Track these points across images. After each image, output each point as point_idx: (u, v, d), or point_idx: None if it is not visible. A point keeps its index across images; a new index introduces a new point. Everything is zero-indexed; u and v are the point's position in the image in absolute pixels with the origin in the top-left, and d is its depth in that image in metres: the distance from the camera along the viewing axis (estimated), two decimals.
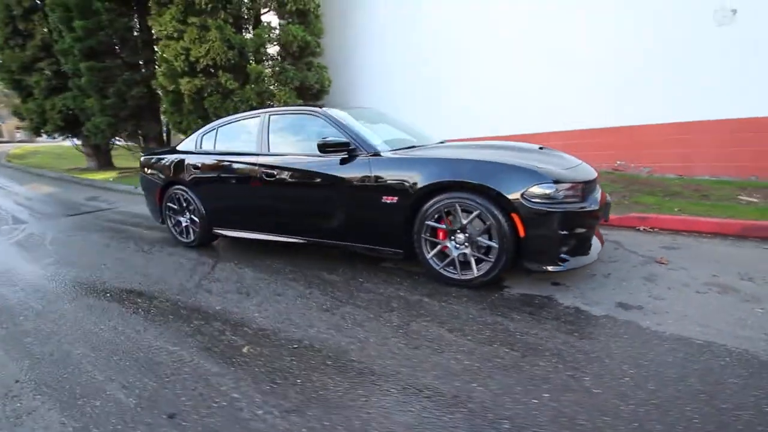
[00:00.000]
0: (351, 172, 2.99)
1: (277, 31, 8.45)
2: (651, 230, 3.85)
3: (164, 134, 11.90)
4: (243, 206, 3.66)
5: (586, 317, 2.25)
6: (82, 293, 3.00)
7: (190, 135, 4.22)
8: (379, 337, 2.17)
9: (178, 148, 4.25)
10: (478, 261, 2.65)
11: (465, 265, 2.70)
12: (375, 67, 9.92)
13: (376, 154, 2.96)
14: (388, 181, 2.84)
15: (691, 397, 1.58)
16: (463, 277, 2.70)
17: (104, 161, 13.21)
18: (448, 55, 8.21)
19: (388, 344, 2.09)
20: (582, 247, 2.61)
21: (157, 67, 8.92)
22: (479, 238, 2.61)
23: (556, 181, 2.48)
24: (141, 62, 10.98)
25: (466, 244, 2.68)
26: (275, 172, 3.33)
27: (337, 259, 3.49)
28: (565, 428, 1.46)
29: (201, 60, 7.71)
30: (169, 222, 4.24)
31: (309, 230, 3.32)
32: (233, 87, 8.14)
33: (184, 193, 4.00)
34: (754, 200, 4.32)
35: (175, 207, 4.13)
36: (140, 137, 11.53)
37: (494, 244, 2.54)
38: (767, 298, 2.36)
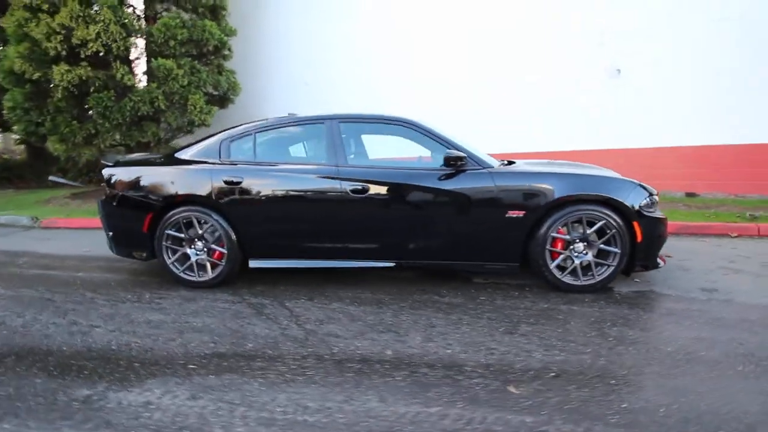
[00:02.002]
0: (467, 186, 2.88)
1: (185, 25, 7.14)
2: None
3: None
4: (311, 229, 3.01)
5: (686, 298, 2.78)
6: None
7: (205, 140, 3.20)
8: (596, 345, 2.16)
9: (182, 157, 3.18)
10: (595, 266, 2.91)
11: (584, 271, 2.92)
12: (283, 75, 9.41)
13: (490, 167, 2.94)
14: (516, 195, 2.86)
15: None
16: (585, 283, 2.91)
17: None
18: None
19: (617, 351, 2.12)
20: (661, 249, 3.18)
21: None
22: (601, 246, 2.89)
23: (650, 194, 2.98)
24: None
25: (586, 251, 2.92)
26: (367, 187, 2.89)
27: (412, 280, 3.23)
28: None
29: (90, 45, 5.85)
30: (166, 256, 3.09)
31: (405, 251, 2.99)
32: (132, 83, 6.46)
33: (201, 217, 3.01)
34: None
35: (181, 236, 3.06)
36: None
37: (617, 250, 2.86)
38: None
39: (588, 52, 6.94)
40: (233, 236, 3.02)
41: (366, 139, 3.37)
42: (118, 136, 6.68)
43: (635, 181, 2.97)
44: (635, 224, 2.84)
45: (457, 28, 7.93)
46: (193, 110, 6.97)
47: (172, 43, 6.67)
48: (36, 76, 5.91)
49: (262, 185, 3.00)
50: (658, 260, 3.00)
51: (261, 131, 3.16)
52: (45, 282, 3.38)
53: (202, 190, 3.01)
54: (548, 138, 7.33)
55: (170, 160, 3.23)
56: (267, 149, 3.16)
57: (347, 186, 2.92)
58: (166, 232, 3.06)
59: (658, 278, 3.21)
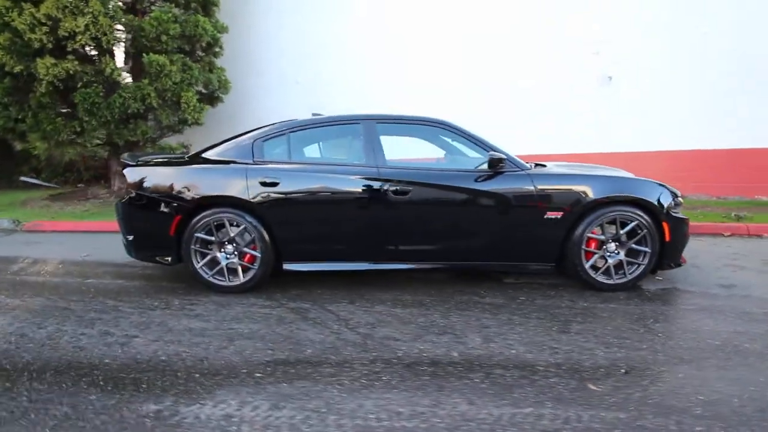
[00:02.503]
0: (508, 188, 2.92)
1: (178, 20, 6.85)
2: None
3: None
4: (350, 231, 2.95)
5: (709, 294, 2.93)
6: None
7: (233, 140, 3.06)
8: (649, 341, 2.24)
9: (210, 157, 3.04)
10: (626, 265, 3.00)
11: (615, 270, 2.99)
12: (274, 74, 9.24)
13: (527, 168, 2.98)
14: (554, 196, 2.92)
15: None
16: (617, 282, 3.00)
17: None
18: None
19: (670, 346, 2.20)
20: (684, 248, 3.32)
21: None
22: (633, 245, 2.99)
23: (675, 195, 3.12)
24: None
25: (618, 251, 3.02)
26: (409, 189, 2.87)
27: (445, 282, 3.24)
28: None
29: (79, 37, 5.49)
30: (194, 260, 2.93)
31: (446, 253, 3.00)
32: (121, 79, 6.13)
33: (234, 219, 2.89)
34: None
35: (211, 239, 2.92)
36: None
37: (648, 249, 2.97)
38: None
39: (580, 59, 7.21)
40: (267, 239, 2.92)
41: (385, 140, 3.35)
42: (104, 134, 6.31)
43: (662, 183, 3.11)
44: (664, 224, 2.96)
45: (451, 31, 8.03)
46: (186, 108, 6.68)
47: (164, 38, 6.36)
48: (17, 69, 5.47)
49: (300, 186, 2.91)
50: (681, 259, 3.15)
51: (295, 131, 3.06)
52: (54, 290, 3.13)
53: (237, 191, 2.88)
54: (541, 142, 7.55)
55: (198, 159, 3.07)
56: (302, 149, 3.08)
57: (388, 187, 2.89)
58: (196, 235, 2.91)
59: (677, 276, 3.35)
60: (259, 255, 2.93)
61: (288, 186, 2.89)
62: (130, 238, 3.03)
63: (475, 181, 2.96)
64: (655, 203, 2.95)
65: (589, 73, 7.09)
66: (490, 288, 3.12)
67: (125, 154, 3.21)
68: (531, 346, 2.23)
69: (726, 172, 6.56)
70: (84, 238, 5.05)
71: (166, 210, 2.92)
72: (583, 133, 7.39)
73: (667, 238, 2.97)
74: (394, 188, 2.88)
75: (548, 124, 7.54)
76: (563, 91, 7.32)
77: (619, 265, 3.01)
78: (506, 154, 2.96)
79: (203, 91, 7.58)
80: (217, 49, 7.80)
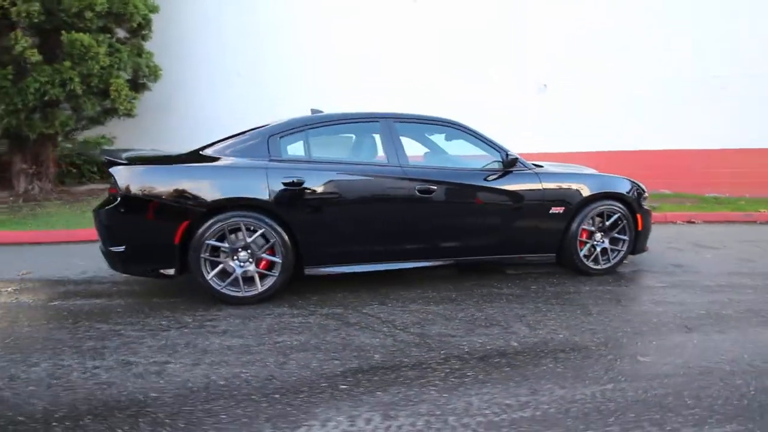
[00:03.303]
0: (517, 185, 3.13)
1: None
2: None
3: None
4: (375, 231, 2.89)
5: (671, 272, 3.50)
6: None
7: (240, 136, 2.75)
8: (658, 315, 2.59)
9: (214, 155, 2.69)
10: (608, 252, 3.43)
11: (601, 255, 3.40)
12: (212, 63, 8.49)
13: (534, 167, 3.23)
14: (558, 193, 3.21)
15: None
16: (603, 267, 3.40)
17: None
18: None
19: (671, 315, 2.57)
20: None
21: None
22: (615, 234, 3.42)
23: (644, 190, 3.64)
24: None
25: (603, 240, 3.42)
26: (433, 188, 2.90)
27: (456, 277, 3.38)
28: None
29: None
30: (204, 270, 2.60)
31: (465, 248, 3.11)
32: (36, 60, 5.09)
33: (252, 223, 2.63)
34: None
35: (224, 246, 2.62)
36: None
37: (627, 238, 3.42)
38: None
39: (521, 69, 7.92)
40: (289, 243, 2.72)
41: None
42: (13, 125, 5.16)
43: (633, 179, 3.61)
44: (638, 216, 3.46)
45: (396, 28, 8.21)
46: (117, 97, 5.80)
47: (88, 14, 5.42)
48: None
49: (324, 186, 2.76)
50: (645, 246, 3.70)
51: (314, 127, 2.89)
52: (15, 317, 2.53)
53: (256, 193, 2.63)
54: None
55: (200, 158, 2.73)
56: (320, 147, 2.91)
57: (414, 186, 2.90)
58: (207, 242, 2.59)
59: (637, 261, 3.93)
60: (280, 261, 2.72)
61: (313, 186, 2.72)
62: (120, 249, 2.57)
63: (490, 179, 3.13)
64: (632, 197, 3.43)
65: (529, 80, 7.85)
66: (501, 280, 3.32)
67: (111, 153, 2.71)
68: (571, 329, 2.45)
69: (633, 171, 7.81)
70: (10, 251, 4.13)
71: (170, 215, 2.56)
72: (521, 134, 8.15)
73: (639, 227, 3.47)
74: (419, 187, 2.91)
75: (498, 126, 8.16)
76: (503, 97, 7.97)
77: (603, 252, 3.43)
78: (512, 154, 3.18)
79: (127, 77, 6.66)
80: (145, 32, 6.91)
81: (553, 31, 7.81)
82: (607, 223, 3.39)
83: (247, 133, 2.85)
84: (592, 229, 3.38)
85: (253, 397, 1.76)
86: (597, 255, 3.40)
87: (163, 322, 2.48)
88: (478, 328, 2.46)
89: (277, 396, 1.77)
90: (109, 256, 2.64)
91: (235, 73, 8.58)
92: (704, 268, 3.69)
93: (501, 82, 7.94)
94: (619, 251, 3.46)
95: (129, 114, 6.21)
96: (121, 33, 6.67)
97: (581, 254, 3.35)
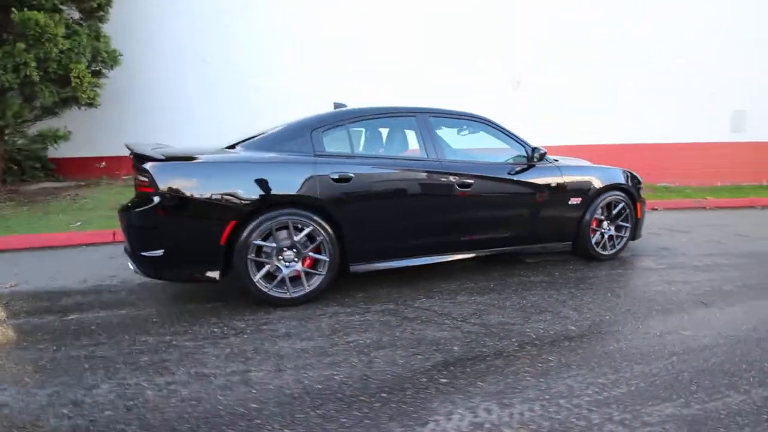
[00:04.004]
0: (543, 178, 3.30)
1: None
2: None
3: None
4: (418, 226, 2.89)
5: (661, 255, 3.90)
6: None
7: (278, 130, 2.59)
8: (675, 293, 2.88)
9: (250, 149, 2.52)
10: (613, 239, 3.72)
11: (608, 242, 3.69)
12: (175, 48, 7.89)
13: (554, 161, 3.40)
14: (576, 185, 3.41)
15: None
16: (610, 252, 3.69)
17: None
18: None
19: (688, 291, 2.86)
20: None
21: None
22: (620, 222, 3.71)
23: (640, 181, 3.98)
24: None
25: (610, 228, 3.70)
26: (471, 181, 2.96)
27: (482, 268, 3.50)
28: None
29: None
30: (251, 272, 2.45)
31: (496, 240, 3.21)
32: None
33: (299, 221, 2.52)
34: None
35: (271, 245, 2.48)
36: None
37: (629, 225, 3.73)
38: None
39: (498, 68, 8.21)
40: (335, 240, 2.65)
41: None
42: None
43: (631, 170, 3.93)
44: (638, 204, 3.79)
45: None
46: (79, 84, 5.18)
47: None
48: None
49: (371, 181, 2.72)
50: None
51: (354, 121, 2.82)
52: (38, 336, 2.22)
53: (305, 189, 2.52)
54: None
55: (242, 154, 2.54)
56: (360, 141, 2.84)
57: (453, 180, 2.94)
58: (253, 242, 2.44)
59: (630, 245, 4.31)
60: (327, 259, 2.64)
61: (361, 181, 2.67)
62: (157, 253, 2.34)
63: (518, 172, 3.26)
64: (632, 187, 3.75)
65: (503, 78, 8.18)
66: (525, 269, 3.48)
67: (140, 147, 2.42)
68: (612, 311, 2.64)
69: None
70: None
71: (216, 214, 2.37)
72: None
73: (638, 215, 3.81)
74: (459, 181, 2.96)
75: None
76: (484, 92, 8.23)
77: (610, 239, 3.72)
78: (535, 148, 3.34)
79: (102, 61, 6.02)
80: (103, 13, 6.23)
81: (537, 22, 8.16)
82: (614, 212, 3.68)
83: (285, 127, 2.71)
84: (602, 217, 3.65)
85: (361, 398, 1.72)
86: (605, 242, 3.69)
87: (215, 329, 2.32)
88: (532, 315, 2.58)
89: (384, 395, 1.74)
90: (141, 261, 2.40)
91: (200, 59, 8.07)
92: (687, 250, 4.14)
93: (487, 70, 8.15)
94: (622, 237, 3.77)
95: (92, 103, 5.59)
96: (75, 14, 5.95)
97: (593, 241, 3.62)
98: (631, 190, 3.73)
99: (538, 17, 8.21)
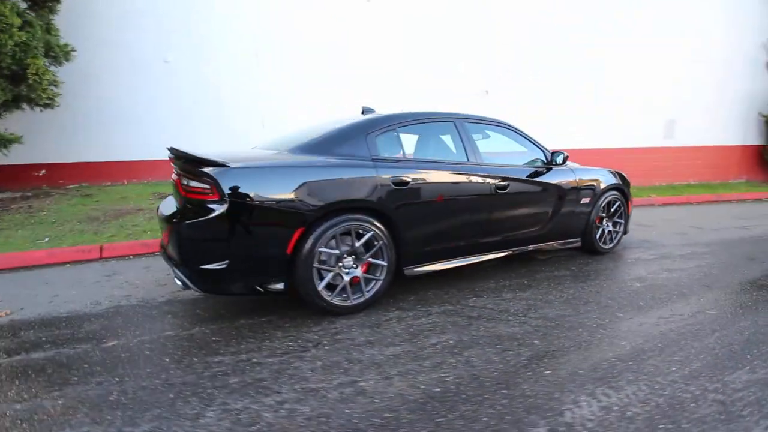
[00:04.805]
0: (562, 180, 3.55)
1: None
2: None
3: None
4: (463, 227, 2.96)
5: (646, 247, 4.37)
6: None
7: (330, 132, 2.50)
8: (677, 280, 3.25)
9: (306, 153, 2.41)
10: (611, 234, 4.10)
11: (609, 236, 4.06)
12: (133, 47, 7.25)
13: (567, 164, 3.67)
14: (587, 185, 3.71)
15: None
16: (609, 246, 4.06)
17: None
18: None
19: (687, 277, 3.26)
20: None
21: None
22: (615, 219, 4.09)
23: (629, 182, 4.41)
24: None
25: (608, 224, 4.06)
26: (506, 184, 3.11)
27: (504, 266, 3.69)
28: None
29: None
30: (316, 281, 2.34)
31: (524, 239, 3.38)
32: None
33: (361, 226, 2.46)
34: None
35: (334, 253, 2.40)
36: None
37: (623, 221, 4.13)
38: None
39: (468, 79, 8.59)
40: (393, 244, 2.62)
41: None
42: None
43: (621, 172, 4.35)
44: (629, 202, 4.21)
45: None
46: (37, 82, 4.55)
47: None
48: None
49: (425, 185, 2.73)
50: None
51: (403, 125, 2.82)
52: (83, 367, 1.93)
53: (367, 193, 2.47)
54: None
55: (297, 156, 2.42)
56: (406, 145, 2.83)
57: (492, 182, 3.06)
58: (319, 249, 2.34)
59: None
60: (385, 264, 2.61)
61: (416, 185, 2.68)
62: (220, 266, 2.15)
63: (541, 174, 3.47)
64: (625, 187, 4.16)
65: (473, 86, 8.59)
66: (543, 265, 3.71)
67: (186, 154, 2.19)
68: (641, 299, 2.91)
69: None
70: None
71: (285, 222, 2.24)
72: None
73: (629, 211, 4.24)
74: (497, 184, 3.08)
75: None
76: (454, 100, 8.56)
77: (609, 234, 4.10)
78: (548, 150, 3.59)
79: (55, 55, 5.33)
80: (52, 3, 5.56)
81: (512, 31, 8.66)
82: (611, 210, 4.06)
83: (337, 130, 2.65)
84: (603, 215, 4.01)
85: (485, 396, 1.74)
86: (605, 237, 4.05)
87: (290, 343, 2.19)
88: (579, 306, 2.76)
89: (504, 391, 1.77)
90: (200, 275, 2.18)
91: (162, 60, 7.49)
92: (664, 242, 4.67)
93: (465, 74, 8.47)
94: (618, 232, 4.17)
95: (50, 104, 4.94)
96: (22, 4, 5.22)
97: (597, 237, 3.96)
98: (624, 189, 4.15)
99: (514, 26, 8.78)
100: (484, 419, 1.60)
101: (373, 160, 2.61)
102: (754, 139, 9.79)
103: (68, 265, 3.69)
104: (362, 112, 3.32)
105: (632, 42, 9.22)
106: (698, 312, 2.67)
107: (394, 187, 2.59)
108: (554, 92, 8.98)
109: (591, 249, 3.98)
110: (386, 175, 2.57)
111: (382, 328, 2.40)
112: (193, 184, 2.22)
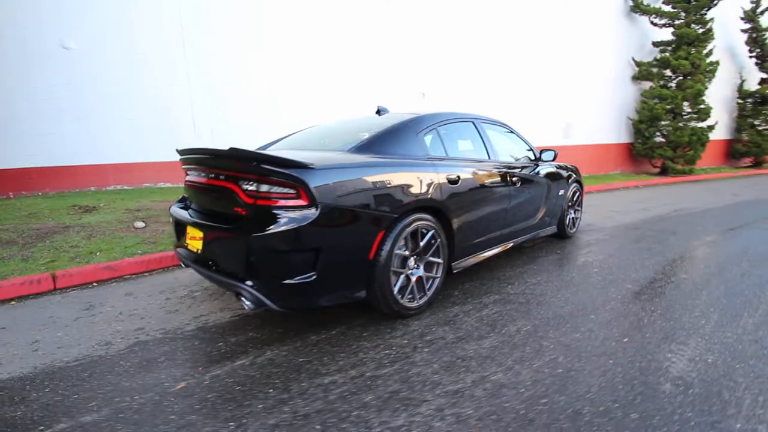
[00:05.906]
0: (549, 174, 3.98)
1: None
2: None
3: None
4: (494, 221, 3.15)
5: (590, 230, 5.13)
6: None
7: (388, 131, 2.37)
8: (648, 255, 3.91)
9: (363, 153, 2.30)
10: (574, 219, 4.70)
11: (572, 222, 4.63)
12: (30, 36, 5.91)
13: (552, 160, 4.10)
14: (562, 178, 4.18)
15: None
16: (574, 230, 4.65)
17: None
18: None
19: (659, 258, 3.93)
20: None
21: None
22: (576, 206, 4.69)
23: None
24: None
25: (571, 211, 4.65)
26: (518, 180, 3.35)
27: (505, 259, 3.99)
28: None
29: None
30: (393, 285, 2.23)
31: (525, 229, 3.68)
32: None
33: (425, 225, 2.45)
34: None
35: (406, 254, 2.33)
36: None
37: (581, 208, 4.77)
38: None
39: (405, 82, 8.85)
40: (446, 242, 2.65)
41: None
42: None
43: (575, 165, 5.00)
44: (583, 191, 4.88)
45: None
46: None
47: None
48: None
49: (470, 181, 2.81)
50: None
51: (441, 125, 2.84)
52: (178, 406, 1.57)
53: (431, 192, 2.46)
54: None
55: (368, 156, 2.27)
56: (446, 144, 2.85)
57: (512, 178, 3.28)
58: (396, 251, 2.25)
59: None
60: (442, 261, 2.63)
61: (464, 182, 2.74)
62: (308, 278, 1.92)
63: (536, 170, 3.83)
64: (581, 178, 4.82)
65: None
66: (536, 252, 4.08)
67: (261, 156, 1.86)
68: (640, 272, 3.42)
69: None
70: None
71: (370, 226, 2.09)
72: None
73: (582, 198, 4.93)
74: (515, 179, 3.32)
75: None
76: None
77: (572, 221, 4.70)
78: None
79: None
80: None
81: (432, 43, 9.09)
82: (574, 199, 4.67)
83: (388, 129, 2.56)
84: (569, 204, 4.59)
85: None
86: (570, 223, 4.64)
87: (387, 351, 2.09)
88: (600, 283, 3.12)
89: (633, 337, 1.97)
90: (284, 290, 1.92)
91: (61, 46, 6.18)
92: (602, 225, 5.51)
93: (399, 82, 8.69)
94: (578, 219, 4.81)
95: None
96: None
97: (566, 224, 4.51)
98: (581, 181, 4.81)
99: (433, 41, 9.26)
100: (620, 375, 1.78)
101: (429, 158, 2.62)
102: (625, 138, 12.09)
103: (13, 302, 2.86)
104: (377, 112, 3.28)
105: (538, 62, 10.59)
106: (688, 282, 3.29)
107: (450, 185, 2.64)
108: (482, 97, 9.83)
109: (562, 235, 4.53)
110: (443, 173, 2.60)
111: (457, 323, 2.43)
112: (267, 188, 1.95)
